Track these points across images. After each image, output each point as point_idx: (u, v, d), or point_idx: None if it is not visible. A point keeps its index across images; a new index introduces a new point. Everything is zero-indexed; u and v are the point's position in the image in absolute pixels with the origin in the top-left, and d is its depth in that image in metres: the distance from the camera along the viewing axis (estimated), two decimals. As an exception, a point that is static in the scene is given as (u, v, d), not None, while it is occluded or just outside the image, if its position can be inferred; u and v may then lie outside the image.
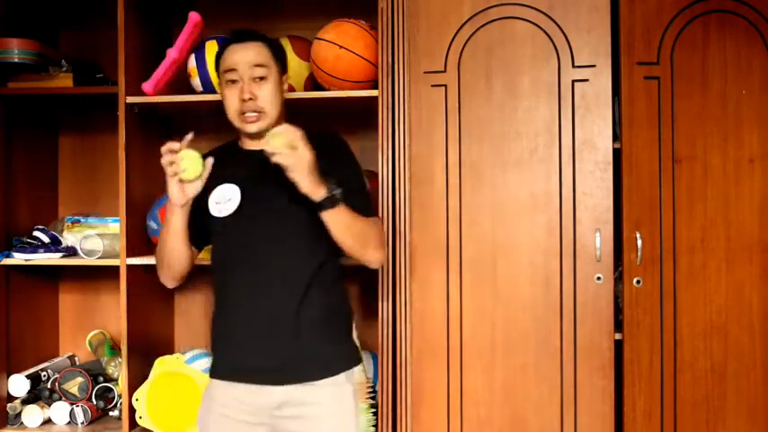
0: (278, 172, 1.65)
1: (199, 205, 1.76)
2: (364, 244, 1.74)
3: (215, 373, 1.78)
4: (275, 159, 1.58)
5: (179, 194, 1.68)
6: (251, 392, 1.71)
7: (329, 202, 1.64)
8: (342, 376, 1.74)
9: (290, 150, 1.58)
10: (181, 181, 1.67)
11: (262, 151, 1.75)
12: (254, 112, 1.75)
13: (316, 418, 1.70)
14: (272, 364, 1.70)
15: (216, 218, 1.77)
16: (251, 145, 1.83)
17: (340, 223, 1.68)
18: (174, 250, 1.77)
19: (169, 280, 1.87)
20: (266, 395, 1.71)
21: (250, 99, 1.73)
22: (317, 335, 1.73)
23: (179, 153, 1.65)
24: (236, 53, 1.76)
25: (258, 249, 1.74)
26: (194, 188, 1.69)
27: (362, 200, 1.80)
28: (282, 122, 1.79)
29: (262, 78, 1.75)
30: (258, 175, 1.75)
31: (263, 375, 1.71)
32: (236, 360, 1.74)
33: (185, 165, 1.65)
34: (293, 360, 1.70)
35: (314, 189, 1.62)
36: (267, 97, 1.75)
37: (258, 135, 1.77)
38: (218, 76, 1.82)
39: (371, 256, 1.78)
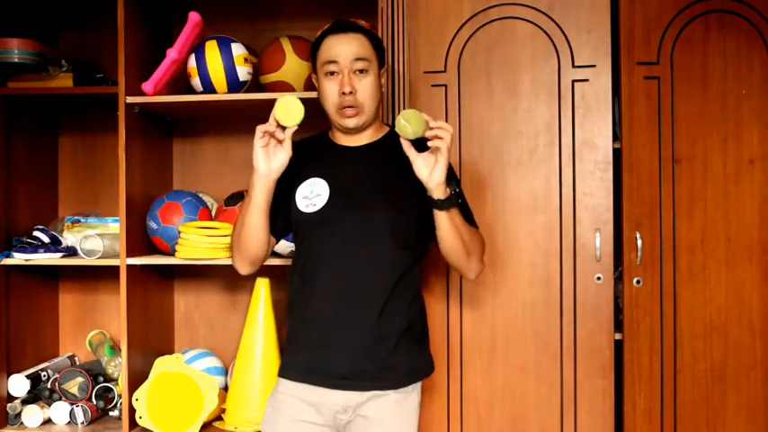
0: (371, 171, 1.66)
1: (283, 194, 1.72)
2: (469, 252, 1.70)
3: (286, 373, 1.74)
4: (441, 134, 1.56)
5: (264, 163, 1.64)
6: (320, 395, 1.69)
7: (453, 199, 1.61)
8: (410, 387, 1.73)
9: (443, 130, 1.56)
10: (280, 126, 1.62)
11: (354, 148, 1.74)
12: (353, 106, 1.69)
13: (378, 423, 1.69)
14: (347, 371, 1.66)
15: (302, 212, 1.71)
16: (343, 140, 1.78)
17: (456, 225, 1.65)
18: (254, 228, 1.69)
19: (244, 263, 1.77)
20: (335, 398, 1.68)
21: (350, 93, 1.67)
22: (395, 346, 1.68)
23: (278, 100, 1.61)
24: (338, 45, 1.70)
25: (344, 252, 1.68)
26: (280, 160, 1.65)
27: (467, 209, 1.78)
28: (378, 118, 1.78)
29: (362, 71, 1.69)
30: (350, 172, 1.72)
31: (336, 380, 1.67)
32: (310, 363, 1.70)
33: (284, 108, 1.60)
34: (369, 369, 1.67)
35: (443, 183, 1.59)
36: (367, 91, 1.69)
37: (353, 130, 1.73)
38: (314, 67, 1.76)
39: (474, 264, 1.74)
